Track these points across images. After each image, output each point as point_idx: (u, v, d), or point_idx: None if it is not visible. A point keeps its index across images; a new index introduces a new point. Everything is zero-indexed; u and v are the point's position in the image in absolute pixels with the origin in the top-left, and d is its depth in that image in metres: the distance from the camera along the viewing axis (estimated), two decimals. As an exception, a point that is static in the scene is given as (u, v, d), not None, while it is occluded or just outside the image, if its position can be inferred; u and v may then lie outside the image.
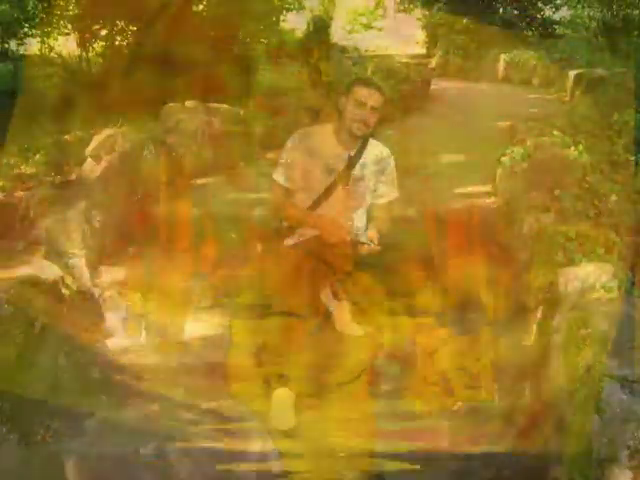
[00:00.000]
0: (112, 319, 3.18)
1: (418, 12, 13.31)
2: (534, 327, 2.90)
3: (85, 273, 3.36)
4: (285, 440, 2.46)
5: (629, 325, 2.36)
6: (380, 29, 14.53)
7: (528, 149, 4.16)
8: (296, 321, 2.60)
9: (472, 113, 6.72)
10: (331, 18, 8.69)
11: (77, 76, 6.67)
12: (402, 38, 13.22)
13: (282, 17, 9.18)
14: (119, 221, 3.83)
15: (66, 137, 5.34)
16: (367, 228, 2.86)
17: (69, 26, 7.04)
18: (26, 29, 6.99)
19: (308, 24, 7.77)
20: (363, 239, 2.70)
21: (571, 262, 2.97)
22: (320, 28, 7.67)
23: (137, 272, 3.55)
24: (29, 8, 6.96)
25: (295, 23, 9.42)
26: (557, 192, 3.57)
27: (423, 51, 12.42)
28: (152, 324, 3.17)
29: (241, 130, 5.44)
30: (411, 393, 2.72)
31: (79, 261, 3.36)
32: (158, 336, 3.08)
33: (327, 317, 3.05)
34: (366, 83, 2.85)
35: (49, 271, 2.97)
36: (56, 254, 3.28)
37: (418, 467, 2.40)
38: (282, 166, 2.87)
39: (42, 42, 7.00)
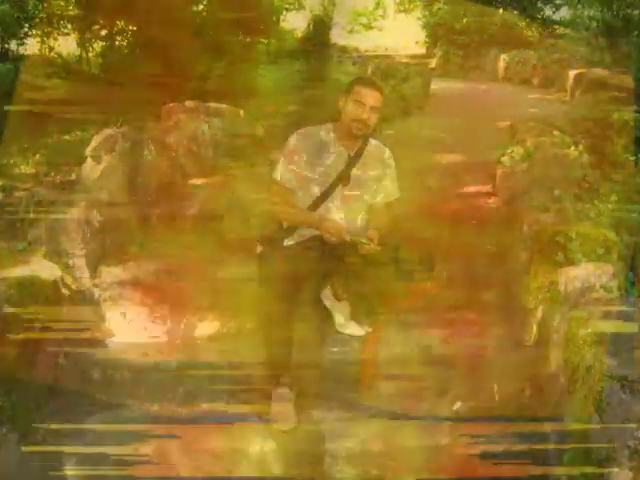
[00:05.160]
0: (112, 319, 3.18)
1: (418, 12, 13.32)
2: (534, 327, 2.90)
3: (85, 273, 3.36)
4: (285, 440, 2.46)
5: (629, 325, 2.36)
6: (380, 29, 14.54)
7: (528, 149, 4.16)
8: (296, 321, 2.60)
9: (472, 113, 6.71)
10: (331, 18, 8.68)
11: (77, 76, 6.68)
12: (402, 38, 13.22)
13: (282, 17, 9.20)
14: (119, 221, 3.83)
15: (66, 137, 5.35)
16: (367, 228, 2.86)
17: (69, 26, 7.05)
18: (26, 29, 6.99)
19: (308, 24, 7.77)
20: (363, 239, 2.70)
21: (571, 262, 2.97)
22: (320, 28, 7.67)
23: (137, 272, 3.55)
24: (29, 8, 6.96)
25: (295, 23, 9.44)
26: (557, 192, 3.57)
27: (423, 51, 12.42)
28: (152, 324, 3.17)
29: (241, 130, 5.44)
30: (410, 392, 2.72)
31: (79, 261, 3.36)
32: (158, 336, 3.08)
33: (327, 317, 3.06)
34: (366, 83, 2.85)
35: (49, 271, 2.97)
36: (56, 254, 3.29)
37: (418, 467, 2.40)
38: (282, 166, 2.87)
39: (42, 42, 7.01)
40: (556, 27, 11.91)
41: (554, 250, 3.07)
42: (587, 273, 2.72)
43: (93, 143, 4.27)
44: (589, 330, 2.37)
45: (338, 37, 10.29)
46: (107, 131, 4.40)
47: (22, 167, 4.65)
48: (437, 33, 11.90)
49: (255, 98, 6.08)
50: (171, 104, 5.24)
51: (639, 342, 2.27)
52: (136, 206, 4.05)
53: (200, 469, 2.41)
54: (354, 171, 2.88)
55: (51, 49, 7.03)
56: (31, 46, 7.10)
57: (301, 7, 9.64)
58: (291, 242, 2.87)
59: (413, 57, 11.32)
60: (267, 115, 5.76)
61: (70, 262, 3.33)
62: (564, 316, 2.59)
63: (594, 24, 10.14)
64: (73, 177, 4.24)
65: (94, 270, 3.45)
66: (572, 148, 4.09)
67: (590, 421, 2.16)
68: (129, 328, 3.14)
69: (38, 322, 2.69)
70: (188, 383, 2.77)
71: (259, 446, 2.44)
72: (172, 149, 4.81)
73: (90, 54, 7.03)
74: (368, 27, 14.57)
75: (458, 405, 2.64)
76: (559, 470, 2.28)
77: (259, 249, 2.96)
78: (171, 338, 3.07)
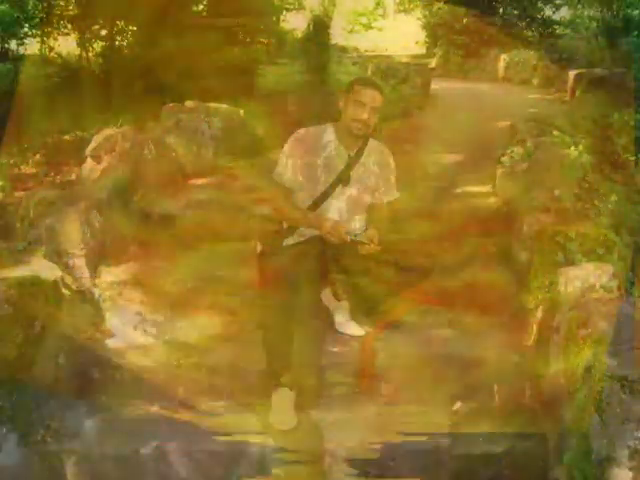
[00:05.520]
0: (112, 319, 3.18)
1: (418, 12, 13.34)
2: (534, 327, 2.90)
3: (85, 273, 3.36)
4: (285, 440, 2.46)
5: (629, 325, 2.36)
6: (380, 29, 14.55)
7: (528, 149, 4.16)
8: (296, 321, 2.60)
9: (472, 113, 6.72)
10: (331, 18, 8.68)
11: (77, 76, 6.68)
12: (402, 38, 13.24)
13: (282, 17, 9.20)
14: (119, 221, 3.83)
15: (66, 137, 5.36)
16: (367, 228, 2.86)
17: (69, 26, 7.05)
18: (26, 29, 7.00)
19: (308, 24, 7.77)
20: (363, 239, 2.70)
21: (571, 262, 2.97)
22: (320, 28, 7.67)
23: (137, 272, 3.55)
24: (29, 8, 6.97)
25: (295, 23, 9.44)
26: (557, 192, 3.57)
27: (423, 51, 12.43)
28: (152, 324, 3.17)
29: (241, 130, 5.44)
30: (410, 393, 2.72)
31: (79, 261, 3.36)
32: (158, 336, 3.08)
33: (327, 317, 3.06)
34: (366, 83, 2.85)
35: (49, 271, 2.96)
36: (56, 254, 3.28)
37: (417, 467, 2.40)
38: (282, 166, 2.87)
39: (42, 42, 7.01)
40: (556, 27, 11.91)
41: (554, 250, 3.07)
42: (587, 273, 2.72)
43: (93, 143, 4.28)
44: (589, 330, 2.37)
45: (338, 37, 10.30)
46: (107, 131, 4.41)
47: (22, 167, 4.66)
48: (437, 33, 11.90)
49: (255, 98, 6.08)
50: (171, 104, 5.24)
51: (639, 342, 2.27)
52: (136, 206, 4.05)
53: (200, 469, 2.42)
54: (354, 171, 2.88)
55: (51, 49, 7.03)
56: (31, 46, 7.11)
57: (301, 7, 9.64)
58: (291, 242, 2.88)
59: (413, 57, 11.33)
60: (267, 115, 5.77)
61: (70, 262, 3.33)
62: (564, 316, 2.59)
63: (594, 24, 10.15)
64: (73, 177, 4.25)
65: (94, 270, 3.45)
66: (572, 148, 4.09)
67: (590, 421, 2.15)
68: (129, 328, 3.14)
69: (38, 322, 2.69)
70: (188, 383, 2.77)
71: (259, 446, 2.44)
72: (172, 149, 4.81)
73: (90, 54, 7.03)
74: (368, 27, 14.58)
75: (458, 405, 2.63)
76: (559, 470, 2.28)
77: (259, 249, 2.96)
78: (171, 338, 3.07)
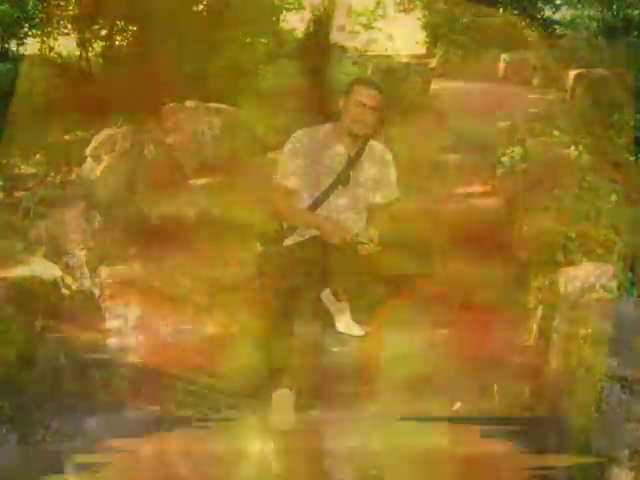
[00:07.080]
0: (112, 319, 3.18)
1: (418, 12, 13.33)
2: (534, 327, 2.90)
3: (85, 273, 3.36)
4: (285, 440, 2.46)
5: (629, 325, 2.36)
6: (380, 29, 14.53)
7: (528, 149, 4.16)
8: (296, 321, 2.60)
9: (472, 113, 6.71)
10: (331, 18, 8.67)
11: (77, 76, 6.69)
12: (402, 38, 13.21)
13: (282, 17, 9.20)
14: (119, 221, 3.84)
15: (66, 137, 5.36)
16: (367, 228, 2.86)
17: (69, 26, 7.06)
18: (26, 29, 7.01)
19: (308, 24, 7.77)
20: (363, 239, 2.70)
21: (571, 262, 2.97)
22: (320, 28, 7.67)
23: (137, 272, 3.55)
24: (29, 8, 6.98)
25: (295, 23, 9.43)
26: (557, 192, 3.57)
27: (423, 51, 12.42)
28: (152, 324, 3.17)
29: (241, 130, 5.44)
30: (410, 392, 2.72)
31: (79, 261, 3.36)
32: (158, 336, 3.08)
33: (327, 317, 3.06)
34: (366, 83, 2.85)
35: (49, 271, 2.96)
36: (56, 254, 3.29)
37: (417, 467, 2.40)
38: (282, 166, 2.86)
39: (42, 42, 7.02)
40: (556, 27, 11.90)
41: (554, 250, 3.07)
42: (587, 273, 2.72)
43: (93, 143, 4.28)
44: (589, 330, 2.37)
45: (338, 37, 10.28)
46: (107, 131, 4.41)
47: (22, 167, 4.66)
48: (437, 33, 11.90)
49: (255, 98, 6.07)
50: (171, 104, 5.24)
51: (639, 342, 2.27)
52: (136, 206, 4.05)
53: (199, 470, 2.42)
54: (354, 171, 2.88)
55: (51, 49, 7.04)
56: (31, 46, 7.12)
57: (301, 7, 9.63)
58: (291, 242, 2.87)
59: (413, 57, 11.32)
60: (267, 115, 5.76)
61: (70, 262, 3.33)
62: (564, 316, 2.59)
63: (594, 24, 10.15)
64: (73, 177, 4.25)
65: (94, 270, 3.45)
66: (572, 148, 4.09)
67: (590, 421, 2.15)
68: (129, 328, 3.14)
69: (38, 322, 2.69)
70: (188, 383, 2.77)
71: (259, 446, 2.44)
72: (172, 149, 4.81)
73: (90, 54, 7.04)
74: (368, 27, 14.54)
75: (458, 405, 2.64)
76: (559, 470, 2.28)
77: (259, 249, 2.96)
78: (171, 338, 3.07)
